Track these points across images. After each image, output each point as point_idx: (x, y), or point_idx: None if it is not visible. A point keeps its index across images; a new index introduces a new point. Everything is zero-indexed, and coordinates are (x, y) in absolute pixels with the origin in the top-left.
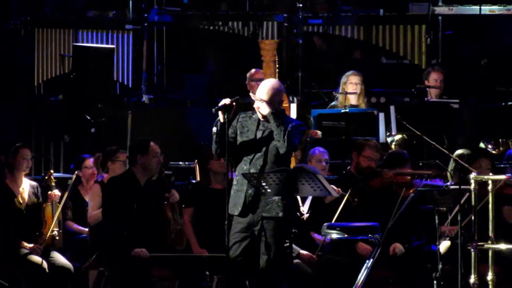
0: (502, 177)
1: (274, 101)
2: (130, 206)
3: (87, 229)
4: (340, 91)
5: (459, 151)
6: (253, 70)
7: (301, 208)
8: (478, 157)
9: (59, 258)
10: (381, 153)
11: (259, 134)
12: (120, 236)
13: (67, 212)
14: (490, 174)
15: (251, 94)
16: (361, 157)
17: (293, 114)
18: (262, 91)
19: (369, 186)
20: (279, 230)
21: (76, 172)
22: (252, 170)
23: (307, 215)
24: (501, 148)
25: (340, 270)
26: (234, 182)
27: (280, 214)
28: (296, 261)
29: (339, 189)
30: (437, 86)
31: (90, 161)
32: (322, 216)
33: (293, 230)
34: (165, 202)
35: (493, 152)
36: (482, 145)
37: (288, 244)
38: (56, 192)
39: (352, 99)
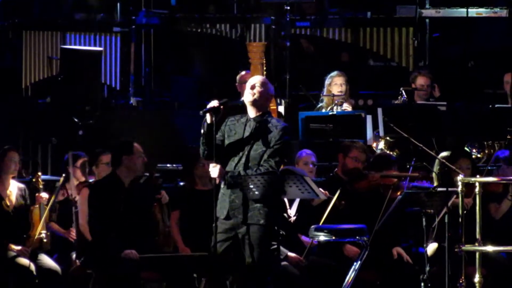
0: (491, 179)
1: (267, 88)
2: (115, 208)
3: (69, 232)
4: (325, 92)
5: (443, 153)
6: (243, 72)
7: (288, 211)
8: (457, 158)
9: (46, 260)
10: (367, 154)
11: (246, 135)
12: (107, 239)
13: (52, 215)
14: (477, 176)
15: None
16: (348, 158)
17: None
18: (257, 78)
19: (356, 188)
20: (262, 236)
21: (63, 174)
22: (237, 171)
23: (294, 217)
24: (486, 151)
25: (327, 272)
26: (222, 185)
27: (262, 222)
28: (283, 263)
29: (326, 192)
30: (423, 89)
31: (82, 161)
32: (309, 218)
33: (281, 232)
34: (155, 204)
35: (478, 155)
36: (466, 149)
37: (275, 246)
38: (44, 194)
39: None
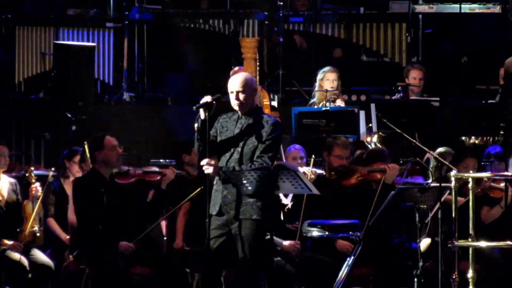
0: (483, 174)
1: (249, 88)
2: (99, 202)
3: (66, 236)
4: (317, 87)
5: (440, 149)
6: (236, 68)
7: (284, 200)
8: (465, 157)
9: (39, 255)
10: (350, 149)
11: (237, 131)
12: (97, 234)
13: (50, 208)
14: (471, 172)
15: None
16: (331, 157)
17: None
18: (235, 82)
19: (345, 186)
20: (255, 231)
21: (52, 169)
22: (230, 167)
23: (291, 204)
24: (484, 138)
25: (320, 268)
26: (214, 182)
27: (254, 217)
28: (277, 259)
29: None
30: (416, 84)
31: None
32: (315, 205)
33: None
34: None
35: (476, 141)
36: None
37: (269, 237)
38: (38, 186)
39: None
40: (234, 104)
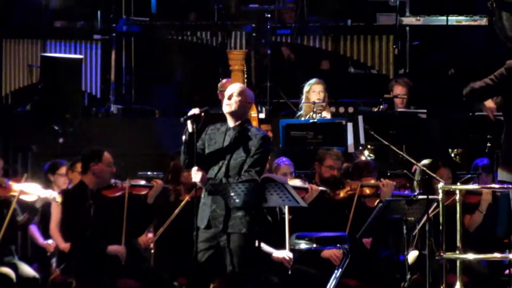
0: (471, 186)
1: (245, 96)
2: (86, 214)
3: (44, 241)
4: (303, 100)
5: (425, 161)
6: (224, 80)
7: (284, 210)
8: (437, 167)
9: (25, 268)
10: (342, 161)
11: (225, 144)
12: (84, 247)
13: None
14: (458, 184)
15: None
16: (323, 167)
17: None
18: (233, 86)
19: (335, 198)
20: (243, 244)
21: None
22: (218, 179)
23: (290, 217)
24: None
25: (308, 280)
26: (202, 195)
27: (243, 231)
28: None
29: (314, 185)
30: (402, 96)
31: (64, 169)
32: (304, 217)
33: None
34: None
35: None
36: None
37: (257, 245)
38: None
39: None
40: (225, 106)
